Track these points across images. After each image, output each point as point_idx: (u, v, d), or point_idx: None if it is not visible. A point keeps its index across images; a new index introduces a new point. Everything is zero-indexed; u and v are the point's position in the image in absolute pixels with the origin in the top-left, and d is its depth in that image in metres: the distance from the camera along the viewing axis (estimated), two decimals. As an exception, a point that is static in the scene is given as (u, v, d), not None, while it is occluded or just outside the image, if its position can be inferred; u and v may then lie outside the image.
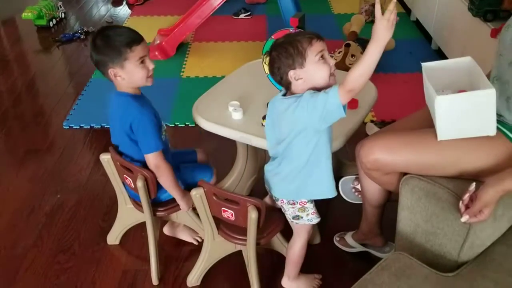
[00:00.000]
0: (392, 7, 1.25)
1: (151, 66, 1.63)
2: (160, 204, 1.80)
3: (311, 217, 1.63)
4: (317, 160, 1.51)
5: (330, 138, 1.52)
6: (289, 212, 1.62)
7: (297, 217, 1.63)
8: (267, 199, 1.70)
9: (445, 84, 1.48)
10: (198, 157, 1.98)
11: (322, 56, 1.41)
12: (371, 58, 1.29)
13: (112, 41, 1.56)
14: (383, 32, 1.25)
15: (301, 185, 1.55)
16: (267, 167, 1.62)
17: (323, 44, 1.42)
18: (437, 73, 1.47)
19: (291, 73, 1.42)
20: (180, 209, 1.79)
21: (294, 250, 1.71)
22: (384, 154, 1.52)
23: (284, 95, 1.51)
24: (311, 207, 1.61)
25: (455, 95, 1.39)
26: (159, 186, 1.72)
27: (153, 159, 1.65)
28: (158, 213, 1.81)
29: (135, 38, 1.59)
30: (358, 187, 1.90)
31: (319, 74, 1.41)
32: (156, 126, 1.65)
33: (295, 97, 1.43)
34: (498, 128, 1.42)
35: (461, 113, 1.38)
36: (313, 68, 1.40)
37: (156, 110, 1.73)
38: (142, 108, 1.62)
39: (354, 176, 1.94)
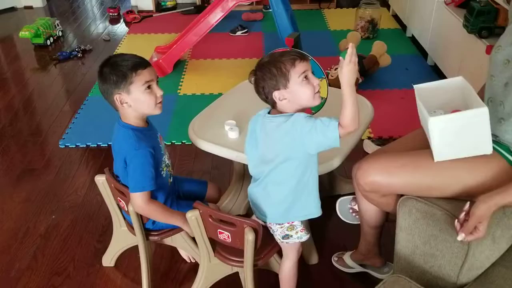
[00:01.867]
0: (351, 49, 1.31)
1: (159, 92, 1.59)
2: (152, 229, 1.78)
3: (300, 235, 1.60)
4: (305, 183, 1.51)
5: (317, 161, 1.53)
6: (277, 232, 1.60)
7: (286, 237, 1.60)
8: (254, 218, 1.67)
9: (438, 105, 1.48)
10: (208, 191, 1.90)
11: (305, 77, 1.41)
12: (352, 99, 1.33)
13: (118, 66, 1.54)
14: (352, 75, 1.32)
15: (289, 207, 1.54)
16: (252, 189, 1.60)
17: (307, 65, 1.43)
18: (430, 94, 1.47)
19: (276, 94, 1.42)
20: (174, 233, 1.77)
21: (285, 271, 1.69)
22: (380, 176, 1.52)
23: (269, 112, 1.51)
24: (299, 225, 1.59)
25: (448, 116, 1.38)
26: None
27: (136, 199, 1.58)
28: (151, 237, 1.78)
29: (141, 62, 1.56)
30: (356, 207, 1.88)
31: (303, 95, 1.42)
32: (151, 165, 1.58)
33: (285, 117, 1.43)
34: (494, 148, 1.42)
35: (455, 133, 1.38)
36: (297, 89, 1.41)
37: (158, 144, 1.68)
38: (139, 144, 1.57)
39: (351, 197, 1.93)
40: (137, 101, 1.56)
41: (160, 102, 1.61)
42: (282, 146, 1.44)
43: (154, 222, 1.73)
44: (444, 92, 1.49)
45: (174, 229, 1.78)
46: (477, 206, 1.28)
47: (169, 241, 1.85)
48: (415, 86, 1.49)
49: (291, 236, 1.60)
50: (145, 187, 1.58)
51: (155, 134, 1.69)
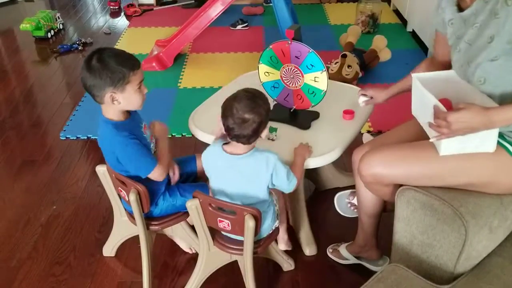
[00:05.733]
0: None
1: (145, 90, 1.62)
2: (154, 218, 1.79)
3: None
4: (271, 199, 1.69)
5: None
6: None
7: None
8: None
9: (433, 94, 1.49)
10: (199, 164, 1.92)
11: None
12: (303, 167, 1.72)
13: (114, 63, 1.52)
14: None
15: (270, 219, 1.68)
16: None
17: None
18: (425, 83, 1.48)
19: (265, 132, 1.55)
20: (174, 223, 1.80)
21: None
22: (382, 168, 1.53)
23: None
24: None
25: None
26: (152, 201, 1.72)
27: (153, 176, 1.65)
28: (151, 227, 1.79)
29: (137, 62, 1.58)
30: (353, 201, 1.90)
31: None
32: (141, 145, 1.61)
33: (264, 157, 1.55)
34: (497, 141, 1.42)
35: None
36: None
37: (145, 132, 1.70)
38: (121, 135, 1.58)
39: (349, 191, 1.94)
40: (127, 99, 1.58)
41: (144, 100, 1.63)
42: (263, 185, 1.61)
43: (155, 206, 1.75)
44: (438, 83, 1.50)
45: (175, 219, 1.79)
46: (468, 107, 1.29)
47: (169, 231, 1.86)
48: (413, 75, 1.50)
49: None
50: (153, 163, 1.63)
51: (137, 125, 1.69)
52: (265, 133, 1.55)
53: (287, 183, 1.60)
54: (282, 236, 1.95)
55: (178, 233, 1.88)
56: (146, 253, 1.82)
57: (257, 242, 1.65)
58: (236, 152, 1.56)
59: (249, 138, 1.51)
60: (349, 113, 1.96)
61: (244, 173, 1.57)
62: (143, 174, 1.64)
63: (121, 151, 1.60)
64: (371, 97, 1.89)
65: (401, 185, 1.52)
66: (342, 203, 1.96)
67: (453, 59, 1.53)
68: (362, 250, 1.92)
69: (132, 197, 1.63)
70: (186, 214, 1.75)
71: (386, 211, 1.79)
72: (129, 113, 1.67)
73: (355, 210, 1.91)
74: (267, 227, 1.68)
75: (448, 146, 1.42)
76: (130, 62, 1.55)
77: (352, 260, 1.95)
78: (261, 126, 1.50)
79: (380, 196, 1.69)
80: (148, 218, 1.78)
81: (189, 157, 1.96)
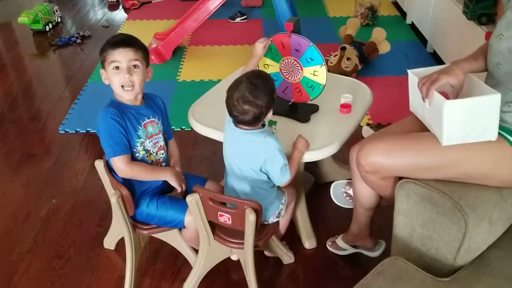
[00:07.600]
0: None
1: (123, 78, 1.54)
2: (142, 222, 1.74)
3: (284, 202, 1.78)
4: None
5: None
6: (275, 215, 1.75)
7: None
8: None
9: None
10: (207, 187, 1.81)
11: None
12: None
13: (106, 40, 1.57)
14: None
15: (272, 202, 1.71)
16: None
17: None
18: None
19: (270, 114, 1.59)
20: (162, 231, 1.76)
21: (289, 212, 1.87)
22: (382, 157, 1.52)
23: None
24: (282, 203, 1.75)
25: (463, 100, 1.39)
26: (136, 204, 1.67)
27: (116, 164, 1.58)
28: (137, 230, 1.74)
29: (120, 41, 1.54)
30: (349, 191, 1.90)
31: None
32: (118, 130, 1.55)
33: (266, 141, 1.58)
34: (498, 133, 1.42)
35: (467, 118, 1.38)
36: None
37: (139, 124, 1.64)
38: (105, 111, 1.55)
39: (345, 181, 1.94)
40: (109, 79, 1.58)
41: (126, 89, 1.57)
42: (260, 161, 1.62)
43: (137, 210, 1.69)
44: None
45: (163, 227, 1.75)
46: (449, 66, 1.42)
47: (159, 235, 1.81)
48: (409, 71, 1.50)
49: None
50: (116, 151, 1.56)
51: (136, 116, 1.63)
52: (270, 115, 1.59)
53: (279, 175, 1.61)
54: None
55: (168, 238, 1.83)
56: (130, 256, 1.77)
57: (258, 235, 1.65)
58: (244, 127, 1.60)
59: (252, 123, 1.57)
60: (346, 107, 1.95)
61: (243, 146, 1.61)
62: (106, 156, 1.61)
63: (98, 125, 1.57)
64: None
65: (399, 180, 1.52)
66: (338, 193, 1.96)
67: (506, 37, 1.46)
68: (355, 239, 1.93)
69: (113, 199, 1.59)
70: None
71: (379, 206, 1.79)
72: (138, 102, 1.64)
73: (350, 201, 1.91)
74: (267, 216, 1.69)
75: (450, 136, 1.42)
76: (115, 39, 1.56)
77: (350, 250, 1.96)
78: (262, 113, 1.54)
79: (377, 190, 1.69)
80: (136, 221, 1.73)
81: (201, 178, 1.88)
